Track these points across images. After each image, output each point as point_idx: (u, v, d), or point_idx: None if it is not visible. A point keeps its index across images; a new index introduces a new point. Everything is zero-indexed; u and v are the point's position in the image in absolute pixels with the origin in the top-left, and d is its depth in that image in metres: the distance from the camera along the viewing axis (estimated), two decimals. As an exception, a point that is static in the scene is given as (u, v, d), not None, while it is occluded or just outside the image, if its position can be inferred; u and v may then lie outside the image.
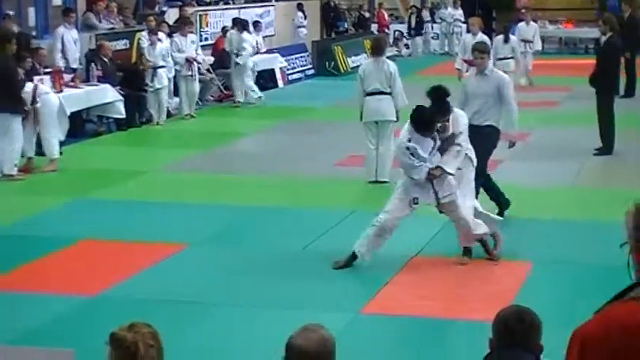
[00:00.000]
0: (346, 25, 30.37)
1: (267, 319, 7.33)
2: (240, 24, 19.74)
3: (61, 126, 13.23)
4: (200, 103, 18.90)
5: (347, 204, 11.16)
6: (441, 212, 8.71)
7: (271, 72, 22.73)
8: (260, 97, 19.44)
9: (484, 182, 10.04)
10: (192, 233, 9.85)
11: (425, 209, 8.90)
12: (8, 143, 12.40)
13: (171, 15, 20.43)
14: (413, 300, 7.89)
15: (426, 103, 8.57)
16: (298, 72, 24.63)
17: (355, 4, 33.76)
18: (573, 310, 7.62)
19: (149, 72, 16.88)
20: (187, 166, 13.53)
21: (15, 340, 6.70)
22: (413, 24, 31.40)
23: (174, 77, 17.78)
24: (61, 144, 13.57)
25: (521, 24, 21.91)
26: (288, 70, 23.80)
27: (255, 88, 19.41)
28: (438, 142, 8.42)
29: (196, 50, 18.11)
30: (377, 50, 12.19)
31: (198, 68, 18.18)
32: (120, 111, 15.86)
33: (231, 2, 24.45)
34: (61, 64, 16.27)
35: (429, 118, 8.27)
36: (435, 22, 31.85)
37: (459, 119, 8.67)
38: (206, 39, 21.17)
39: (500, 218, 9.37)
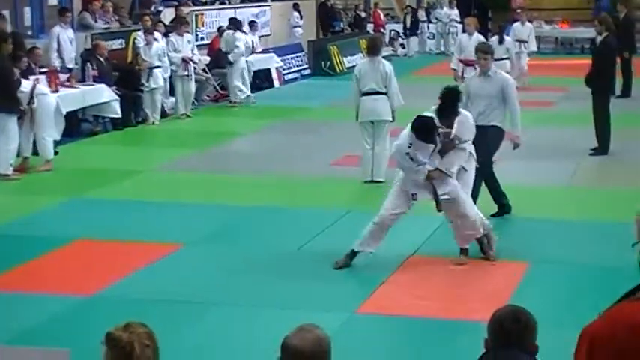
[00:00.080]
0: (342, 25, 30.36)
1: (263, 319, 7.33)
2: (233, 23, 19.73)
3: (57, 126, 13.22)
4: (196, 102, 18.89)
5: (343, 204, 11.17)
6: (439, 211, 8.70)
7: (267, 72, 22.72)
8: (248, 96, 19.33)
9: (489, 182, 10.03)
10: (188, 233, 9.85)
11: (422, 209, 8.91)
12: (4, 143, 12.39)
13: (167, 15, 20.42)
14: (409, 299, 7.89)
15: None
16: (294, 72, 24.63)
17: (351, 4, 33.75)
18: (569, 310, 7.65)
19: (145, 72, 16.88)
20: (183, 165, 13.53)
21: (11, 339, 6.69)
22: (408, 24, 31.39)
23: (170, 77, 17.78)
24: (57, 143, 13.56)
25: (517, 24, 21.91)
26: (284, 69, 23.79)
27: (243, 87, 19.28)
28: (439, 146, 8.40)
29: (192, 50, 18.11)
30: (373, 50, 12.20)
31: (194, 68, 18.18)
32: (116, 111, 15.85)
33: (227, 2, 24.44)
34: (56, 63, 16.24)
35: (430, 127, 8.24)
36: (430, 22, 31.85)
37: (466, 124, 8.61)
38: (202, 39, 21.16)
39: (487, 222, 9.24)
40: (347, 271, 8.53)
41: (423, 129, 8.21)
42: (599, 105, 13.93)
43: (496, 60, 17.53)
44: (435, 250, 9.15)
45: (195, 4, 22.60)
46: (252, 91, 19.97)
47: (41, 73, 14.50)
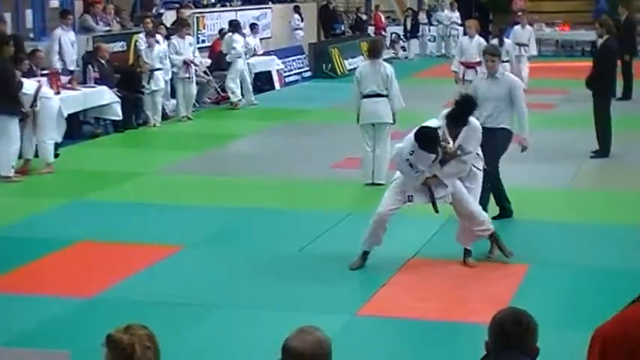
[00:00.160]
0: (343, 28, 30.38)
1: (264, 321, 7.32)
2: (232, 26, 19.74)
3: (58, 128, 13.22)
4: (197, 105, 18.90)
5: (343, 206, 11.17)
6: (436, 212, 8.70)
7: (268, 74, 22.73)
8: (239, 100, 19.27)
9: (493, 184, 10.02)
10: (189, 235, 9.85)
11: (422, 211, 8.91)
12: (5, 145, 12.39)
13: (169, 17, 20.43)
14: (410, 302, 7.89)
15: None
16: (295, 74, 24.63)
17: (352, 6, 33.78)
18: (570, 312, 7.65)
19: (146, 74, 16.89)
20: (184, 167, 13.53)
21: (11, 341, 6.69)
22: (409, 26, 31.40)
23: (172, 79, 17.79)
24: (58, 145, 13.56)
25: (517, 27, 21.88)
26: (284, 72, 23.80)
27: (237, 91, 19.25)
28: (440, 155, 8.37)
29: (194, 52, 18.12)
30: (374, 52, 12.20)
31: (195, 70, 18.18)
32: (117, 113, 15.86)
33: (228, 4, 24.45)
34: (58, 66, 16.26)
35: (433, 138, 8.23)
36: (431, 24, 31.86)
37: (473, 135, 8.53)
38: (203, 41, 21.17)
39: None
40: (347, 273, 8.53)
41: (425, 140, 8.19)
42: (600, 107, 13.93)
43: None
44: (435, 252, 9.15)
45: (196, 7, 22.62)
46: (253, 93, 19.98)
47: (42, 75, 14.51)
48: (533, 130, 15.36)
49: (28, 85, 12.80)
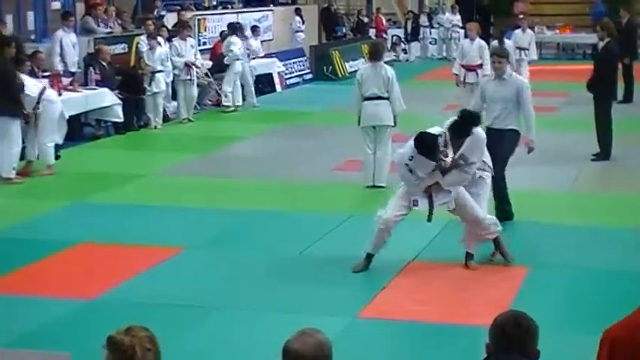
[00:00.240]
0: (344, 30, 30.39)
1: (264, 323, 7.33)
2: (230, 28, 19.75)
3: (59, 129, 13.22)
4: (198, 107, 18.91)
5: (344, 209, 11.17)
6: (429, 221, 8.69)
7: (269, 76, 22.74)
8: (228, 105, 19.21)
9: (497, 185, 10.02)
10: (190, 237, 9.86)
11: (423, 214, 8.89)
12: (7, 146, 12.40)
13: (170, 19, 20.44)
14: (410, 304, 7.89)
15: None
16: (296, 76, 24.64)
17: (353, 9, 33.79)
18: (571, 315, 7.65)
19: (147, 76, 16.90)
20: (185, 169, 13.53)
21: (12, 343, 6.69)
22: (409, 29, 31.41)
23: (173, 81, 17.80)
24: (60, 147, 13.57)
25: (518, 31, 21.86)
26: (286, 74, 23.81)
27: (230, 95, 19.20)
28: (441, 164, 8.33)
29: (195, 54, 18.13)
30: (375, 55, 12.19)
31: (197, 72, 18.19)
32: (118, 115, 15.88)
33: (229, 7, 24.46)
34: (59, 67, 16.27)
35: (430, 144, 8.21)
36: (433, 27, 31.88)
37: (476, 146, 8.48)
38: (204, 43, 21.17)
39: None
40: (348, 275, 8.54)
41: (423, 145, 8.19)
42: (601, 110, 13.93)
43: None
44: (436, 255, 9.15)
45: (197, 9, 22.63)
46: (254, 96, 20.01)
47: (44, 77, 14.52)
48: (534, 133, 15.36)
49: (32, 87, 12.81)
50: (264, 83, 22.26)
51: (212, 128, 17.56)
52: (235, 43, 19.01)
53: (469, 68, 16.93)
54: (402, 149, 8.53)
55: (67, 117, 13.57)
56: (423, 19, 32.11)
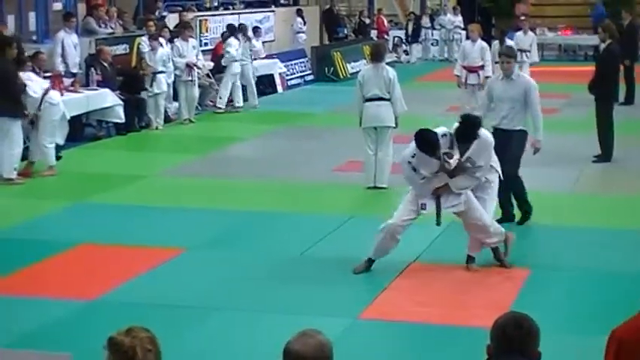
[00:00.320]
0: (346, 31, 30.39)
1: (265, 324, 7.32)
2: (229, 29, 19.75)
3: (60, 130, 13.23)
4: (199, 108, 18.91)
5: (345, 209, 11.17)
6: (438, 224, 8.68)
7: (270, 77, 22.75)
8: (220, 107, 19.18)
9: (503, 185, 10.01)
10: (191, 238, 9.86)
11: (424, 216, 8.89)
12: (8, 147, 12.40)
13: (171, 20, 20.44)
14: (411, 306, 7.89)
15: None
16: (297, 77, 24.64)
17: (355, 10, 33.79)
18: (572, 316, 7.65)
19: (149, 77, 16.91)
20: (186, 170, 13.53)
21: (12, 343, 6.69)
22: (410, 31, 31.41)
23: (174, 82, 17.80)
24: (61, 148, 13.57)
25: (519, 33, 21.82)
26: (287, 75, 23.81)
27: (224, 97, 19.22)
28: (446, 165, 8.31)
29: (197, 55, 18.13)
30: (376, 56, 12.19)
31: (198, 73, 18.19)
32: (119, 115, 15.88)
33: (231, 8, 24.47)
34: (61, 68, 16.28)
35: (429, 140, 8.18)
36: (434, 28, 31.87)
37: (483, 149, 8.44)
38: (206, 44, 21.17)
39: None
40: (349, 276, 8.53)
41: (422, 141, 8.18)
42: (602, 112, 13.93)
43: (497, 63, 17.62)
44: (437, 256, 9.14)
45: (199, 10, 22.64)
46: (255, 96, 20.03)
47: (45, 77, 14.51)
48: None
49: (37, 88, 12.82)
50: (265, 84, 22.26)
51: (213, 129, 17.56)
52: (232, 45, 19.00)
53: (470, 70, 16.93)
54: (406, 149, 8.51)
55: (68, 118, 13.58)
56: (425, 21, 32.10)
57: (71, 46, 16.67)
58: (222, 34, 20.80)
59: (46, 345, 6.50)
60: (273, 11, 25.72)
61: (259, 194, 12.01)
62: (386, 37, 30.62)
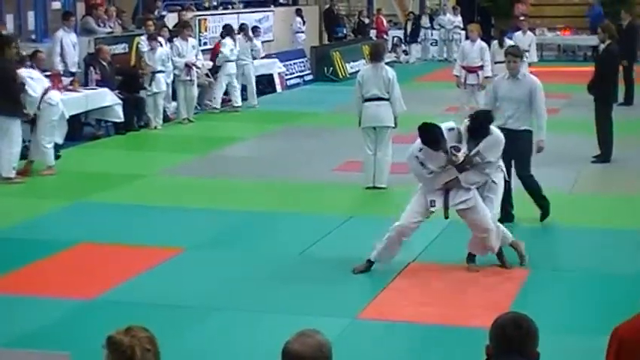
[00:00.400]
0: (345, 31, 30.39)
1: (264, 324, 7.33)
2: (225, 29, 19.74)
3: (59, 129, 13.22)
4: (198, 107, 18.91)
5: (344, 209, 11.17)
6: (446, 217, 8.66)
7: (270, 77, 22.75)
8: (215, 107, 19.18)
9: (507, 187, 10.01)
10: (190, 237, 9.86)
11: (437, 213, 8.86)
12: (7, 146, 12.40)
13: (170, 19, 20.43)
14: (410, 306, 7.89)
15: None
16: (297, 77, 24.64)
17: (354, 10, 33.78)
18: (571, 317, 7.64)
19: (148, 76, 16.90)
20: (185, 170, 13.53)
21: (11, 342, 6.69)
22: (409, 30, 31.40)
23: (173, 82, 17.80)
24: (60, 147, 13.57)
25: (518, 33, 21.80)
26: (286, 75, 23.81)
27: (219, 97, 19.21)
28: (455, 158, 8.30)
29: (197, 55, 18.13)
30: (375, 56, 12.19)
31: (197, 72, 18.17)
32: (118, 115, 15.88)
33: (230, 7, 24.46)
34: (59, 67, 16.27)
35: (431, 132, 8.18)
36: (433, 28, 31.87)
37: (494, 145, 8.45)
38: (205, 43, 21.17)
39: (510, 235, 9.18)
40: (348, 276, 8.53)
41: (424, 134, 8.18)
42: (601, 112, 13.93)
43: (497, 63, 17.61)
44: (436, 256, 9.14)
45: (198, 9, 22.63)
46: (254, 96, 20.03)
47: (44, 76, 14.50)
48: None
49: (36, 87, 12.81)
50: (264, 84, 22.27)
51: (212, 129, 17.56)
52: (226, 45, 19.01)
53: (470, 70, 16.93)
54: (410, 148, 8.50)
55: (67, 117, 13.58)
56: (425, 21, 32.09)
57: (70, 46, 16.67)
58: (222, 34, 20.79)
59: (44, 344, 6.49)
60: (272, 11, 25.72)
61: (258, 194, 12.01)
62: (385, 37, 30.62)
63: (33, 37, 18.11)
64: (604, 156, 13.87)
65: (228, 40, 19.06)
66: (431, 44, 31.97)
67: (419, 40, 31.58)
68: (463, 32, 27.62)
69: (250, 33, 20.43)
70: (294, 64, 24.72)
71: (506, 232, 8.85)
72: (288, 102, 21.30)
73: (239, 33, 19.85)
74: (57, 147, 13.30)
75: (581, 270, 8.88)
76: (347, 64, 25.98)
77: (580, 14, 32.51)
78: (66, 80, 15.55)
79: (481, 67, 16.90)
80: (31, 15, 18.42)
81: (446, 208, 8.50)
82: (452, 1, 34.53)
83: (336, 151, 14.72)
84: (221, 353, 6.94)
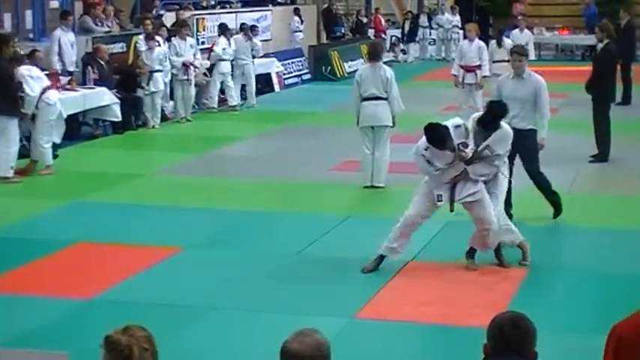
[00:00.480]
0: (343, 30, 30.38)
1: (262, 324, 7.32)
2: (219, 28, 19.74)
3: (57, 129, 13.21)
4: (196, 106, 18.90)
5: (342, 209, 11.16)
6: (451, 211, 8.65)
7: (268, 76, 22.74)
8: (212, 107, 19.17)
9: (509, 185, 10.01)
10: (188, 237, 9.85)
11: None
12: (5, 145, 12.38)
13: (168, 19, 20.42)
14: (408, 305, 7.88)
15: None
16: (295, 76, 24.64)
17: (352, 9, 33.78)
18: (569, 316, 7.64)
19: (145, 75, 16.89)
20: (183, 169, 13.53)
21: (9, 342, 6.68)
22: (407, 30, 31.40)
23: (171, 81, 17.79)
24: (58, 147, 13.56)
25: (515, 31, 21.84)
26: (284, 74, 23.81)
27: (214, 96, 19.21)
28: (463, 154, 8.30)
29: (195, 54, 18.12)
30: (373, 55, 12.19)
31: (195, 72, 18.16)
32: (116, 114, 15.87)
33: (228, 6, 24.45)
34: (57, 67, 16.26)
35: (439, 133, 8.18)
36: (432, 27, 31.87)
37: (502, 139, 8.48)
38: (203, 43, 21.16)
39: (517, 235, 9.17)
40: (346, 276, 8.53)
41: (430, 135, 8.19)
42: (599, 112, 13.93)
43: (495, 62, 17.63)
44: (434, 255, 9.14)
45: (196, 8, 22.62)
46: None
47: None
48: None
49: (34, 86, 12.80)
50: (262, 83, 22.26)
51: (210, 128, 17.55)
52: (219, 44, 19.00)
53: (468, 69, 16.93)
54: (416, 145, 8.51)
55: (65, 116, 13.56)
56: (423, 20, 32.07)
57: (68, 45, 16.66)
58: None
59: (42, 344, 6.49)
60: (270, 10, 25.71)
61: (256, 193, 12.00)
62: (383, 36, 30.62)
63: (31, 36, 18.09)
64: (602, 155, 13.87)
65: (221, 39, 19.07)
66: (429, 43, 31.97)
67: (417, 39, 31.58)
68: (461, 31, 27.64)
69: (250, 32, 20.42)
70: (292, 63, 24.72)
71: (516, 232, 8.84)
72: (286, 101, 21.29)
73: (239, 32, 19.83)
74: (55, 146, 13.29)
75: (579, 269, 8.88)
76: (345, 64, 25.98)
77: (578, 14, 32.51)
78: (64, 79, 15.53)
79: (479, 67, 16.89)
80: (28, 14, 18.40)
81: (452, 201, 8.50)
82: (450, 0, 34.53)
83: (334, 150, 14.72)
84: (219, 353, 6.94)
